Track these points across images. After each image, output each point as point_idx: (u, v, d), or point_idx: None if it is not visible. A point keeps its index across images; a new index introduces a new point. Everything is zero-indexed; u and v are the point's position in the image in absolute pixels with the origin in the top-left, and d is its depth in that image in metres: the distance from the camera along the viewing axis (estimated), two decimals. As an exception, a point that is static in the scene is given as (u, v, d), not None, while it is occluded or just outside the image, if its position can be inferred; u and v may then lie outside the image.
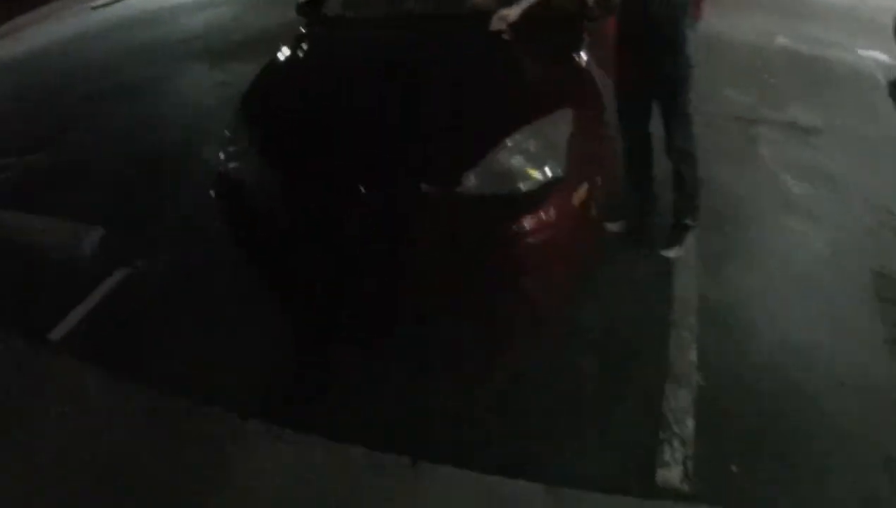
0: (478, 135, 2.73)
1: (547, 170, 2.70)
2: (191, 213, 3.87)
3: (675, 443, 2.48)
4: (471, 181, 2.63)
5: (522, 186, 2.66)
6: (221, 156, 2.98)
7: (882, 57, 6.98)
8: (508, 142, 2.70)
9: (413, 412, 2.67)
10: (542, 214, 2.63)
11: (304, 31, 3.78)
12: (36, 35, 8.89)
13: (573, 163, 2.75)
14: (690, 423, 2.55)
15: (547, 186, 2.68)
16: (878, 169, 4.52)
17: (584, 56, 3.23)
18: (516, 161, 2.70)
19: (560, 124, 2.79)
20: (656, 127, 3.40)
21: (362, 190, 2.66)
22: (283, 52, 3.59)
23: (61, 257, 3.71)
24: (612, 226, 3.52)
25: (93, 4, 10.82)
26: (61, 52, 7.96)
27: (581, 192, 2.77)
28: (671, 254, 3.44)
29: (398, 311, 2.81)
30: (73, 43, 8.31)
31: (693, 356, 2.84)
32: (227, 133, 3.06)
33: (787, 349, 2.90)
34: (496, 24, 3.17)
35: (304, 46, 3.65)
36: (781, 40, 7.44)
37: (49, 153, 5.02)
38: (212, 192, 2.96)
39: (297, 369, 3.03)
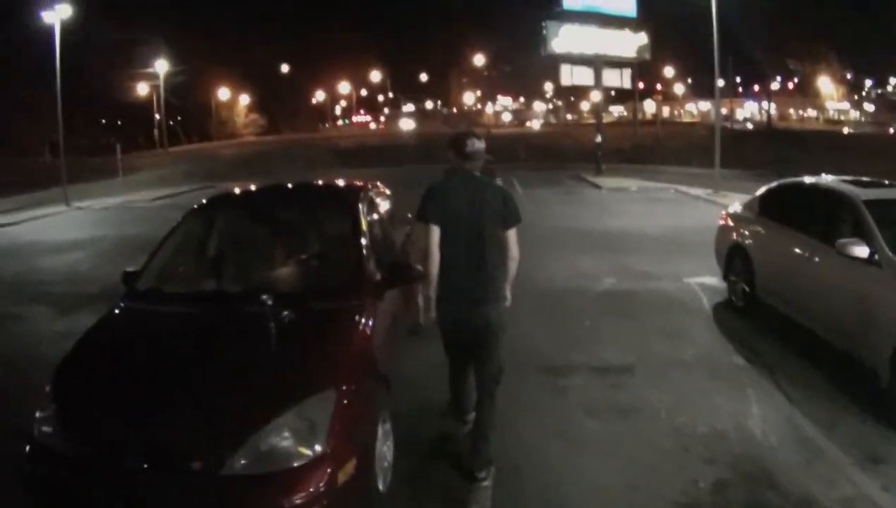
0: (245, 417, 2.98)
1: (312, 447, 2.95)
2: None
3: None
4: (238, 462, 2.87)
5: (287, 465, 2.90)
6: (37, 416, 3.19)
7: (708, 281, 7.79)
8: (273, 423, 2.95)
9: None
10: (311, 490, 2.86)
11: (119, 303, 4.04)
12: None
13: (338, 440, 3.01)
14: None
15: (313, 464, 2.92)
16: (689, 394, 4.80)
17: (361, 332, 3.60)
18: (281, 440, 2.95)
19: (324, 403, 3.06)
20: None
21: (144, 467, 2.89)
22: (98, 325, 3.87)
23: None
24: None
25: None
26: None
27: (348, 468, 3.02)
28: None
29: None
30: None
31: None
32: (45, 395, 3.27)
33: None
34: None
35: (115, 320, 3.93)
36: (608, 281, 8.17)
37: None
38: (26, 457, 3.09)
39: None
